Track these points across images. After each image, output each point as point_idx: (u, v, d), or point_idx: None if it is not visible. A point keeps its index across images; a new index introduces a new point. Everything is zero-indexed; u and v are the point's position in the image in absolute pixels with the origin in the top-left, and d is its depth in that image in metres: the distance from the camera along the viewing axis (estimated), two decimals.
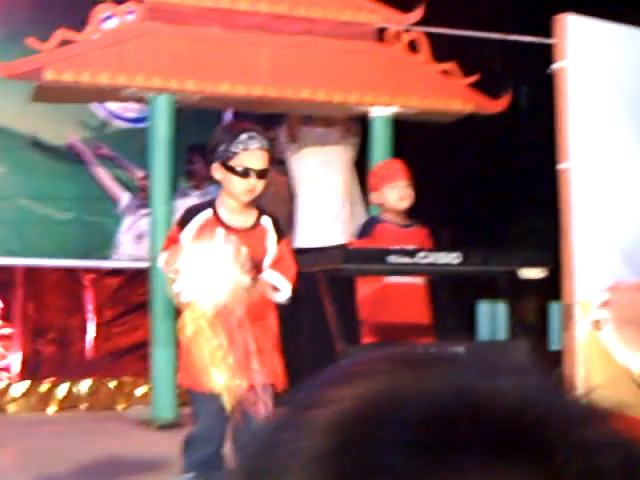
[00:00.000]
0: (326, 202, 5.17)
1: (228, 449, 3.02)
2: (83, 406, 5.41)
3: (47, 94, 4.72)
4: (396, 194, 4.15)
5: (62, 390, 5.38)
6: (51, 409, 5.35)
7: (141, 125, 5.88)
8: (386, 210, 4.20)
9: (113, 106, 5.74)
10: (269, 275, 3.10)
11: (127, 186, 5.82)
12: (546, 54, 4.74)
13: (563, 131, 4.71)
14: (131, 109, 5.78)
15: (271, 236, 3.17)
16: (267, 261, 3.11)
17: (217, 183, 5.85)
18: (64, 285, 5.57)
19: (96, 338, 5.57)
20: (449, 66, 4.98)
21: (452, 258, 3.81)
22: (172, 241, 3.11)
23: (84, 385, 5.43)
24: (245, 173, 3.08)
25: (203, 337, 2.83)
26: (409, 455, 0.40)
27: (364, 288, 4.17)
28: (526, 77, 5.26)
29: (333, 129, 5.27)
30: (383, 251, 3.79)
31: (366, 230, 4.24)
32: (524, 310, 6.12)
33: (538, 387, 0.42)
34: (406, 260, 3.74)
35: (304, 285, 3.29)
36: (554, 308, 4.94)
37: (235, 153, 3.09)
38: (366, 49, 4.92)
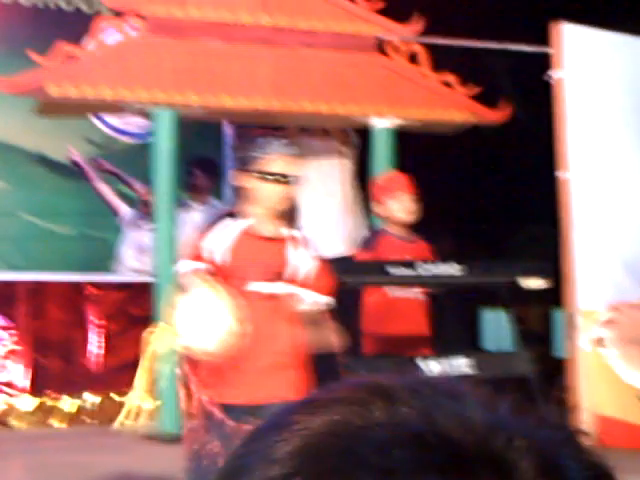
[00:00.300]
0: (326, 212, 5.19)
1: None
2: (88, 420, 5.42)
3: (50, 108, 4.74)
4: (401, 207, 4.15)
5: (67, 404, 5.40)
6: (56, 424, 5.36)
7: (143, 140, 5.91)
8: (391, 223, 4.21)
9: (114, 121, 5.77)
10: (307, 295, 3.10)
11: (129, 200, 5.85)
12: (544, 63, 4.77)
13: (562, 140, 4.73)
14: (132, 124, 5.81)
15: (300, 248, 3.14)
16: (301, 273, 3.08)
17: (212, 196, 5.87)
18: (68, 299, 5.59)
19: (100, 352, 5.58)
20: (449, 77, 5.01)
21: (453, 270, 3.83)
22: (200, 249, 3.03)
23: (89, 399, 5.44)
24: (276, 180, 3.04)
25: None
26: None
27: (367, 301, 4.19)
28: (525, 86, 5.27)
29: (331, 140, 5.30)
30: (383, 263, 3.80)
31: (370, 242, 4.24)
32: (529, 318, 6.13)
33: (505, 412, 0.43)
34: (407, 272, 3.75)
35: None
36: (558, 316, 4.96)
37: (266, 160, 3.04)
38: (367, 61, 4.94)
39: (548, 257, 4.60)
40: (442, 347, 4.27)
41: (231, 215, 3.12)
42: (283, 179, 3.05)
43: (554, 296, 4.72)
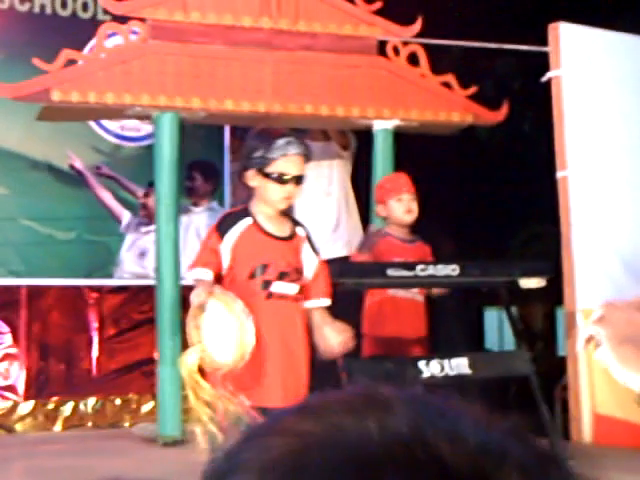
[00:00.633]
0: (326, 213, 5.19)
1: None
2: (89, 424, 5.42)
3: (52, 114, 4.75)
4: (401, 207, 4.16)
5: (68, 408, 5.40)
6: (57, 427, 5.37)
7: (141, 144, 5.92)
8: (391, 224, 4.22)
9: (112, 125, 5.78)
10: (316, 303, 3.11)
11: (128, 204, 5.86)
12: (544, 63, 4.77)
13: (560, 139, 4.73)
14: (130, 128, 5.82)
15: (306, 247, 3.14)
16: (308, 273, 3.08)
17: (215, 199, 5.88)
18: (68, 304, 5.60)
19: (101, 356, 5.59)
20: (448, 78, 5.01)
21: (451, 270, 3.83)
22: (212, 252, 3.03)
23: (90, 403, 5.45)
24: (283, 180, 3.02)
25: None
26: None
27: (368, 302, 4.19)
28: (525, 86, 5.28)
29: (331, 142, 5.31)
30: (381, 264, 3.81)
31: (369, 243, 4.25)
32: (530, 317, 6.13)
33: (497, 432, 0.43)
34: (405, 273, 3.76)
35: None
36: (561, 314, 4.95)
37: (273, 159, 3.01)
38: (367, 63, 4.95)
39: (550, 256, 4.60)
40: (442, 348, 4.28)
41: (246, 213, 3.10)
42: (286, 180, 3.04)
43: (555, 295, 4.72)
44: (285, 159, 3.03)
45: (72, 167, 5.74)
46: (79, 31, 5.50)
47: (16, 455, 4.62)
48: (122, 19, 4.69)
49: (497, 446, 0.42)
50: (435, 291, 4.19)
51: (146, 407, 5.50)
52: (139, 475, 3.91)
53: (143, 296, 5.58)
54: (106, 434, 5.20)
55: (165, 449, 4.45)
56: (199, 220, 5.67)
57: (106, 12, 5.21)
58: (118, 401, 5.50)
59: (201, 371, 2.89)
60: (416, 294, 4.20)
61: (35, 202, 5.64)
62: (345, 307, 3.89)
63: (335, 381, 3.60)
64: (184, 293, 4.06)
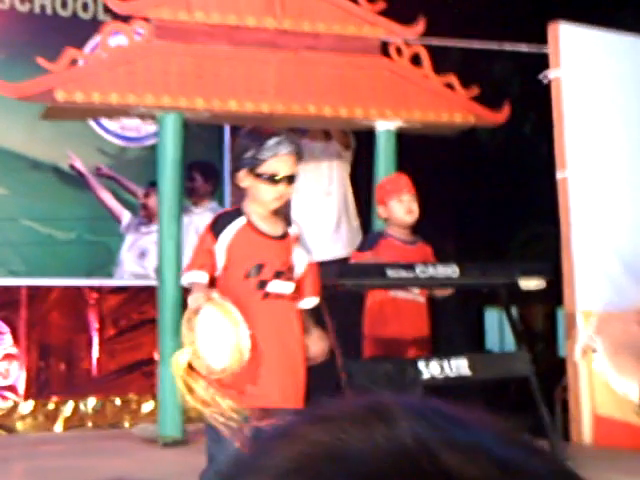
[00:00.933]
0: (326, 213, 5.19)
1: None
2: (89, 424, 5.43)
3: (56, 113, 4.75)
4: (402, 208, 4.16)
5: (68, 408, 5.41)
6: (57, 428, 5.37)
7: (141, 144, 5.93)
8: (392, 224, 4.22)
9: (112, 125, 5.78)
10: (307, 303, 3.11)
11: (128, 204, 5.86)
12: (544, 63, 4.77)
13: (560, 140, 4.73)
14: (131, 128, 5.82)
15: (297, 247, 3.13)
16: (298, 272, 3.08)
17: (215, 200, 5.88)
18: (68, 304, 5.60)
19: (101, 356, 5.60)
20: (450, 79, 5.02)
21: (450, 271, 3.83)
22: (207, 253, 3.01)
23: (90, 403, 5.45)
24: (275, 180, 3.00)
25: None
26: None
27: (368, 302, 4.19)
28: (526, 87, 5.28)
29: (331, 143, 5.31)
30: (380, 265, 3.81)
31: (370, 244, 4.25)
32: (532, 317, 6.13)
33: (509, 443, 0.43)
34: (404, 274, 3.75)
35: None
36: (561, 314, 4.96)
37: (264, 160, 2.99)
38: (370, 63, 4.95)
39: (550, 257, 4.61)
40: (442, 349, 4.28)
41: (237, 214, 3.09)
42: (277, 180, 3.03)
43: (556, 295, 4.72)
44: (276, 159, 3.01)
45: (72, 167, 5.74)
46: (79, 31, 5.51)
47: (16, 455, 4.62)
48: (124, 19, 4.69)
49: (512, 459, 0.42)
50: (439, 292, 4.18)
51: (146, 407, 5.50)
52: (140, 476, 3.92)
53: (143, 296, 5.59)
54: (106, 434, 5.20)
55: (165, 449, 4.45)
56: (199, 220, 5.67)
57: (107, 12, 5.22)
58: (118, 401, 5.50)
59: (192, 370, 2.88)
60: (417, 295, 4.19)
61: (36, 202, 5.64)
62: (346, 308, 3.89)
63: (333, 381, 3.60)
64: (185, 294, 4.06)
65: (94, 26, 4.90)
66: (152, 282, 4.96)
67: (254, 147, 3.02)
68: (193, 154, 5.38)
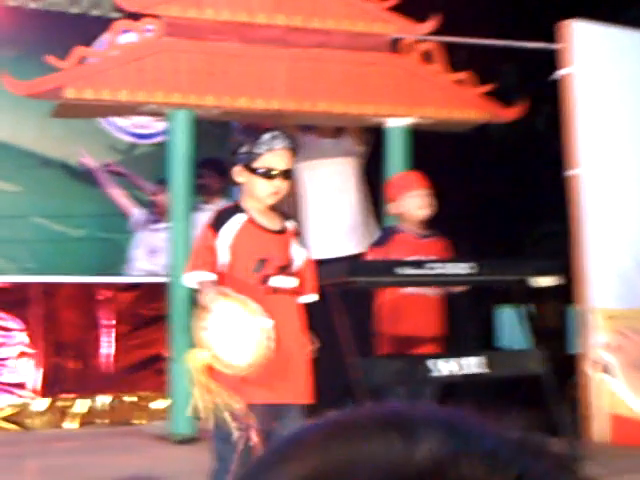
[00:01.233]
0: (341, 211, 5.17)
1: None
2: (102, 421, 5.44)
3: (66, 111, 4.75)
4: (416, 203, 4.15)
5: (81, 405, 5.42)
6: (70, 425, 5.39)
7: (152, 141, 5.93)
8: (405, 220, 4.20)
9: (123, 122, 5.78)
10: (306, 299, 3.10)
11: (139, 202, 5.86)
12: (555, 60, 4.75)
13: (572, 137, 4.71)
14: (141, 125, 5.83)
15: (295, 241, 3.12)
16: (296, 267, 3.06)
17: (227, 197, 5.88)
18: (80, 301, 5.61)
19: (113, 353, 5.60)
20: (463, 75, 5.00)
21: (463, 268, 3.81)
22: (209, 251, 2.99)
23: (103, 400, 5.46)
24: (270, 175, 3.00)
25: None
26: None
27: (381, 299, 4.18)
28: (538, 84, 5.26)
29: (343, 139, 5.29)
30: (391, 263, 3.79)
31: (384, 240, 4.24)
32: (545, 314, 6.11)
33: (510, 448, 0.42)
34: (416, 271, 3.74)
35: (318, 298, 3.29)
36: (572, 312, 4.94)
37: (259, 154, 2.99)
38: (381, 60, 4.94)
39: (564, 254, 4.59)
40: (455, 346, 4.26)
41: (235, 210, 3.08)
42: (273, 174, 3.02)
43: (567, 293, 4.70)
44: (272, 154, 3.00)
45: (83, 164, 5.75)
46: (90, 29, 5.51)
47: (28, 452, 4.64)
48: (134, 16, 4.69)
49: (530, 469, 0.42)
50: (456, 287, 4.16)
51: (159, 404, 5.51)
52: (151, 473, 3.92)
53: (154, 293, 5.59)
54: (119, 431, 5.20)
55: (178, 447, 4.46)
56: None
57: (117, 9, 5.21)
58: (131, 398, 5.51)
59: (209, 370, 2.88)
60: (428, 290, 4.17)
61: (47, 200, 5.65)
62: (356, 305, 3.88)
63: (341, 379, 3.59)
64: (196, 291, 4.06)
65: (104, 24, 4.90)
66: (163, 279, 4.96)
67: (249, 142, 3.02)
68: (205, 151, 5.38)
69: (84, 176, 5.76)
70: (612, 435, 4.46)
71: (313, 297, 3.16)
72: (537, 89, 5.24)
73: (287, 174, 3.05)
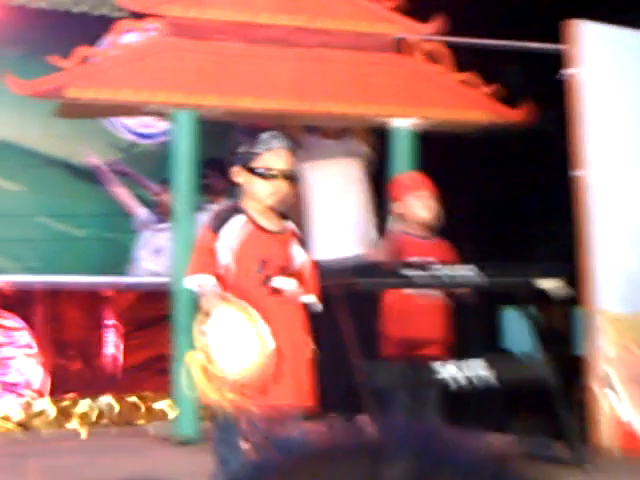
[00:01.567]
0: (344, 212, 5.16)
1: None
2: (105, 421, 5.43)
3: (70, 110, 4.74)
4: (419, 204, 4.14)
5: (83, 406, 5.41)
6: (73, 425, 5.38)
7: (156, 141, 5.91)
8: (407, 221, 4.19)
9: (128, 122, 5.77)
10: (306, 300, 3.07)
11: (143, 201, 5.85)
12: (561, 62, 4.72)
13: (578, 138, 4.68)
14: (146, 124, 5.81)
15: (295, 242, 3.10)
16: (296, 267, 3.04)
17: (232, 195, 5.86)
18: (83, 301, 5.60)
19: (116, 353, 5.59)
20: (468, 76, 4.97)
21: (467, 271, 3.79)
22: (209, 253, 2.96)
23: (105, 400, 5.45)
24: (269, 174, 2.97)
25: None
26: None
27: (387, 302, 4.16)
28: (544, 85, 5.23)
29: (348, 140, 5.27)
30: (396, 265, 3.77)
31: (387, 242, 4.22)
32: (549, 318, 6.08)
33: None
34: (420, 273, 3.72)
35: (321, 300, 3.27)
36: (579, 314, 4.91)
37: (258, 154, 2.96)
38: (386, 60, 4.92)
39: (571, 256, 4.56)
40: (461, 350, 4.23)
41: (234, 211, 3.06)
42: (272, 175, 3.00)
43: (575, 294, 4.67)
44: (270, 153, 2.97)
45: (88, 163, 5.74)
46: (93, 28, 5.50)
47: (31, 452, 4.63)
48: (137, 16, 4.67)
49: None
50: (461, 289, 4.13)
51: (161, 405, 5.50)
52: (155, 475, 3.91)
53: (159, 293, 5.57)
54: (122, 432, 5.20)
55: (181, 448, 4.44)
56: None
57: (120, 9, 5.20)
58: (133, 399, 5.50)
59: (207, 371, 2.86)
60: (433, 292, 4.15)
61: (51, 199, 5.65)
62: (358, 307, 3.86)
63: (345, 381, 3.57)
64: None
65: (107, 23, 4.88)
66: (167, 279, 4.95)
67: (247, 142, 2.99)
68: (207, 151, 5.36)
69: (88, 175, 5.75)
70: (620, 441, 4.41)
71: (311, 298, 3.14)
72: (543, 90, 5.21)
73: (287, 175, 3.02)
